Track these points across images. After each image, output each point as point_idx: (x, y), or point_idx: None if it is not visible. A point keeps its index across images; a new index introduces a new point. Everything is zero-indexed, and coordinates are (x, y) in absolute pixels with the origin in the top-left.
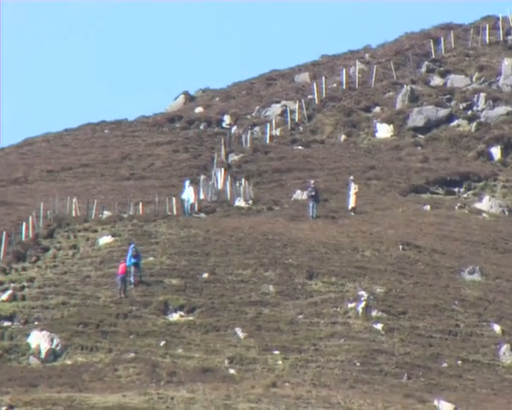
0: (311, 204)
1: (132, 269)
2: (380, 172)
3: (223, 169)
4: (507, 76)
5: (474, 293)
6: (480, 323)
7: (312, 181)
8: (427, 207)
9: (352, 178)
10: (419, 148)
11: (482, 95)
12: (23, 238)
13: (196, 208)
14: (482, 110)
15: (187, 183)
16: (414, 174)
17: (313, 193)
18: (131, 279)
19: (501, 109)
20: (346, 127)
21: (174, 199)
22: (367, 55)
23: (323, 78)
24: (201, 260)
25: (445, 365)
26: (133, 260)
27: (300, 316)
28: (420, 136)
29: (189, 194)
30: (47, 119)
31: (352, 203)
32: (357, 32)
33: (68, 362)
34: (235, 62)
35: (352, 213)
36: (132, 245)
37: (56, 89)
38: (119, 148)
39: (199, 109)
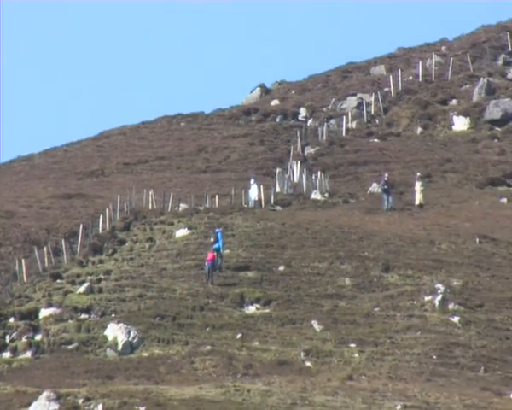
0: (385, 196)
1: (214, 254)
2: (456, 164)
3: (299, 162)
4: None
5: None
6: None
7: (386, 174)
8: (504, 200)
9: (419, 174)
10: (496, 140)
11: None
12: (100, 231)
13: (272, 201)
14: None
15: (252, 180)
16: (490, 167)
17: (386, 186)
18: (216, 263)
19: None
20: (422, 120)
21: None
22: (443, 48)
23: (399, 70)
24: (277, 252)
25: None
26: (214, 246)
27: (376, 309)
28: (497, 128)
29: (252, 191)
30: (124, 111)
31: (418, 200)
32: (433, 24)
33: (145, 354)
34: (312, 55)
35: (419, 209)
36: (216, 230)
37: (133, 81)
38: (195, 141)
39: (275, 102)
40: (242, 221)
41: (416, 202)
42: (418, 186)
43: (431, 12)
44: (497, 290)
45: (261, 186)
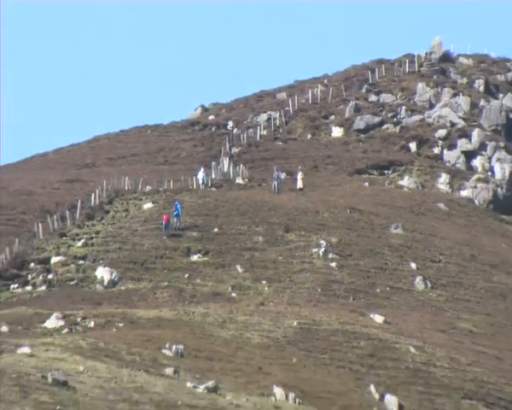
0: (274, 183)
1: (175, 219)
2: (334, 160)
3: (227, 158)
4: (420, 95)
5: (398, 241)
6: (402, 262)
7: (275, 168)
8: (366, 184)
9: (300, 167)
10: (361, 143)
11: (403, 107)
12: (92, 204)
13: (209, 184)
14: (403, 118)
15: (202, 168)
16: (357, 161)
17: (276, 177)
18: (175, 224)
19: (416, 117)
20: (311, 129)
21: (194, 178)
22: (325, 81)
23: (296, 96)
24: (213, 219)
25: (378, 290)
26: (174, 213)
27: (280, 258)
28: (362, 135)
29: (200, 176)
30: (108, 121)
31: (299, 185)
32: (318, 63)
33: (122, 288)
34: (235, 84)
35: (300, 191)
36: (176, 203)
37: (115, 97)
38: (157, 143)
39: (211, 117)
40: (189, 198)
41: (298, 187)
42: (299, 176)
43: (316, 53)
44: (362, 245)
45: (209, 171)
